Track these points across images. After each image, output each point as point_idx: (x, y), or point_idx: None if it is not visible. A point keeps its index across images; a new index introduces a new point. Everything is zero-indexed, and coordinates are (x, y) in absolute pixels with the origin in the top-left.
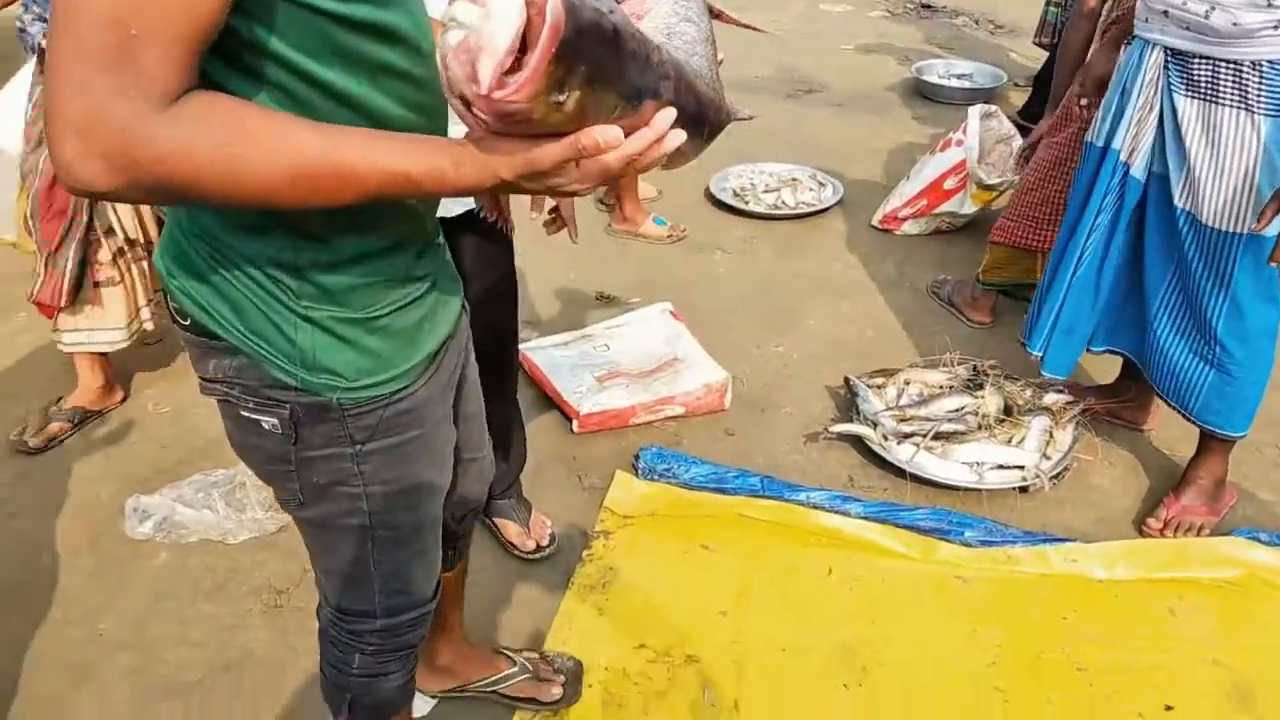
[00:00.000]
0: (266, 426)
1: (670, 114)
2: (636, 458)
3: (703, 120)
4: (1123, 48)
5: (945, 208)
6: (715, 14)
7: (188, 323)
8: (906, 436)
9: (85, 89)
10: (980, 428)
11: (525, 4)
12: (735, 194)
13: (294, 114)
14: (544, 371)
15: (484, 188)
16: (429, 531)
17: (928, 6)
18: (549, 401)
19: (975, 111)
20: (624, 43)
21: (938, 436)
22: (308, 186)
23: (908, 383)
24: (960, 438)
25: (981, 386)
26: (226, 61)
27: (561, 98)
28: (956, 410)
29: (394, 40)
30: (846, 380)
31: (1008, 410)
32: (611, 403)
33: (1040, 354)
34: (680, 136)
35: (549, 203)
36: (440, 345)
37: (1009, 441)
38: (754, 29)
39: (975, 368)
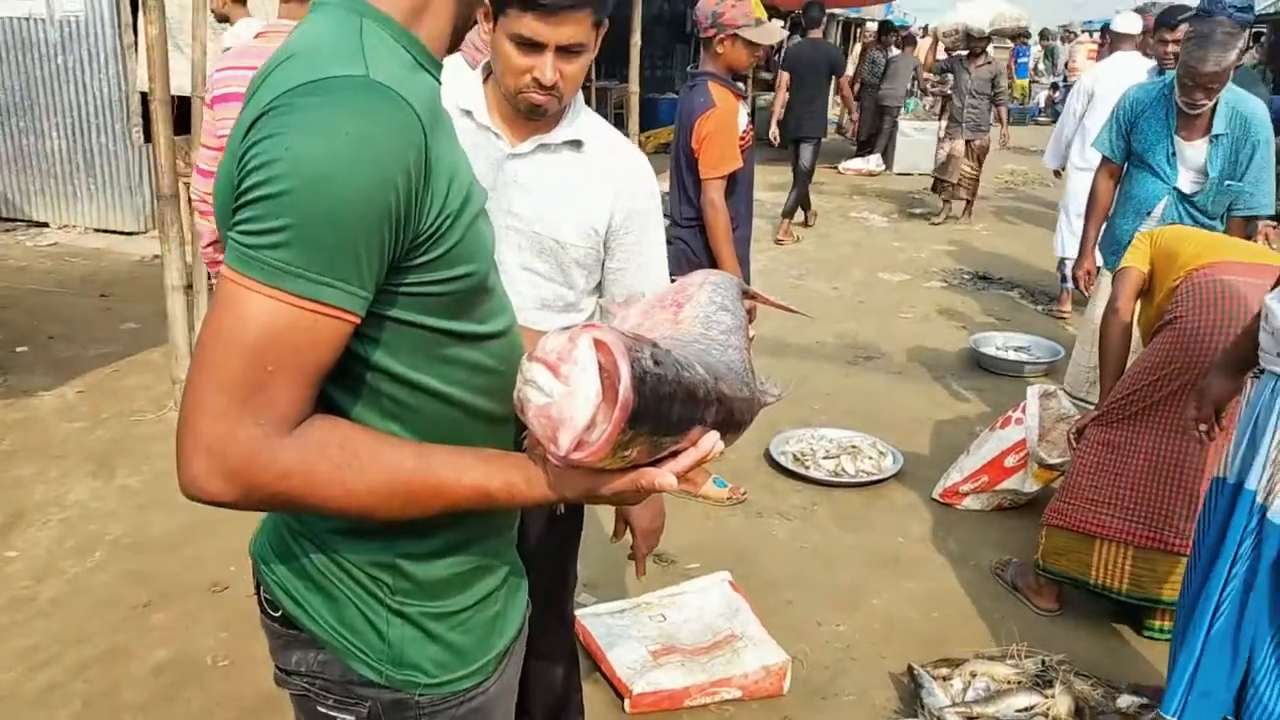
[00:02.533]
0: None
1: (714, 437)
2: None
3: (740, 424)
4: (1250, 380)
5: (1007, 485)
6: (749, 295)
7: (278, 614)
8: None
9: (220, 416)
10: None
11: (601, 388)
12: (795, 458)
13: (394, 431)
14: (598, 642)
15: (548, 502)
16: None
17: (984, 278)
18: (601, 674)
19: (1034, 393)
20: (679, 393)
21: None
22: (403, 501)
23: (974, 675)
24: None
25: (1051, 684)
26: (333, 377)
27: (626, 453)
28: (1025, 710)
29: (487, 343)
30: (910, 669)
31: (1079, 712)
32: (666, 683)
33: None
34: (720, 446)
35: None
36: (511, 641)
37: None
38: (787, 309)
39: (1044, 662)
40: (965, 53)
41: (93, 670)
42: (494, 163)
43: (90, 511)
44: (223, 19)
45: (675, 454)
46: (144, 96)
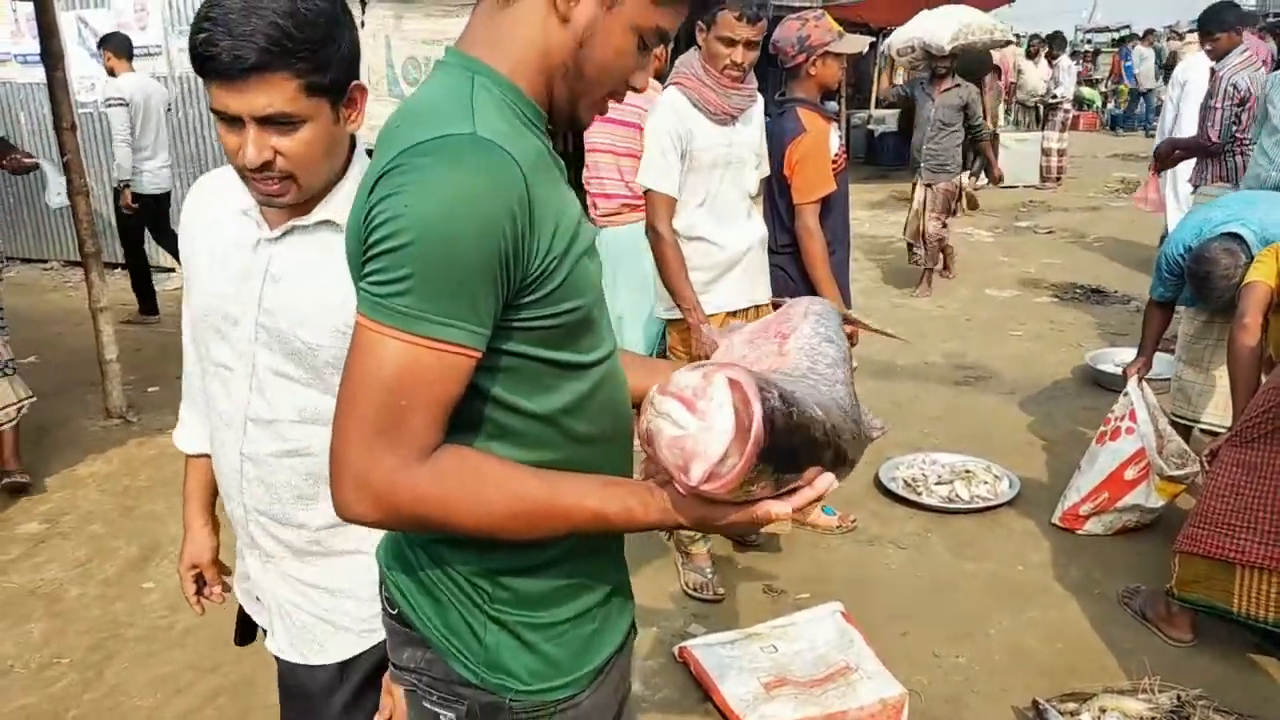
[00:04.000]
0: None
1: (829, 478)
2: None
3: (850, 460)
4: None
5: (1129, 500)
6: (849, 321)
7: (395, 612)
8: None
9: (365, 447)
10: None
11: (736, 424)
12: (906, 484)
13: (494, 450)
14: (710, 674)
15: (663, 527)
16: None
17: (1098, 291)
18: (712, 705)
19: (1136, 395)
20: (802, 433)
21: None
22: (527, 523)
23: (1103, 710)
24: None
25: None
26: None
27: (753, 487)
28: None
29: (589, 371)
30: (1035, 704)
31: None
32: (780, 715)
33: None
34: (834, 484)
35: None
36: (609, 659)
37: None
38: (888, 335)
39: (1180, 697)
40: (927, 75)
41: (223, 698)
42: (246, 251)
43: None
44: (110, 72)
45: (795, 490)
46: None
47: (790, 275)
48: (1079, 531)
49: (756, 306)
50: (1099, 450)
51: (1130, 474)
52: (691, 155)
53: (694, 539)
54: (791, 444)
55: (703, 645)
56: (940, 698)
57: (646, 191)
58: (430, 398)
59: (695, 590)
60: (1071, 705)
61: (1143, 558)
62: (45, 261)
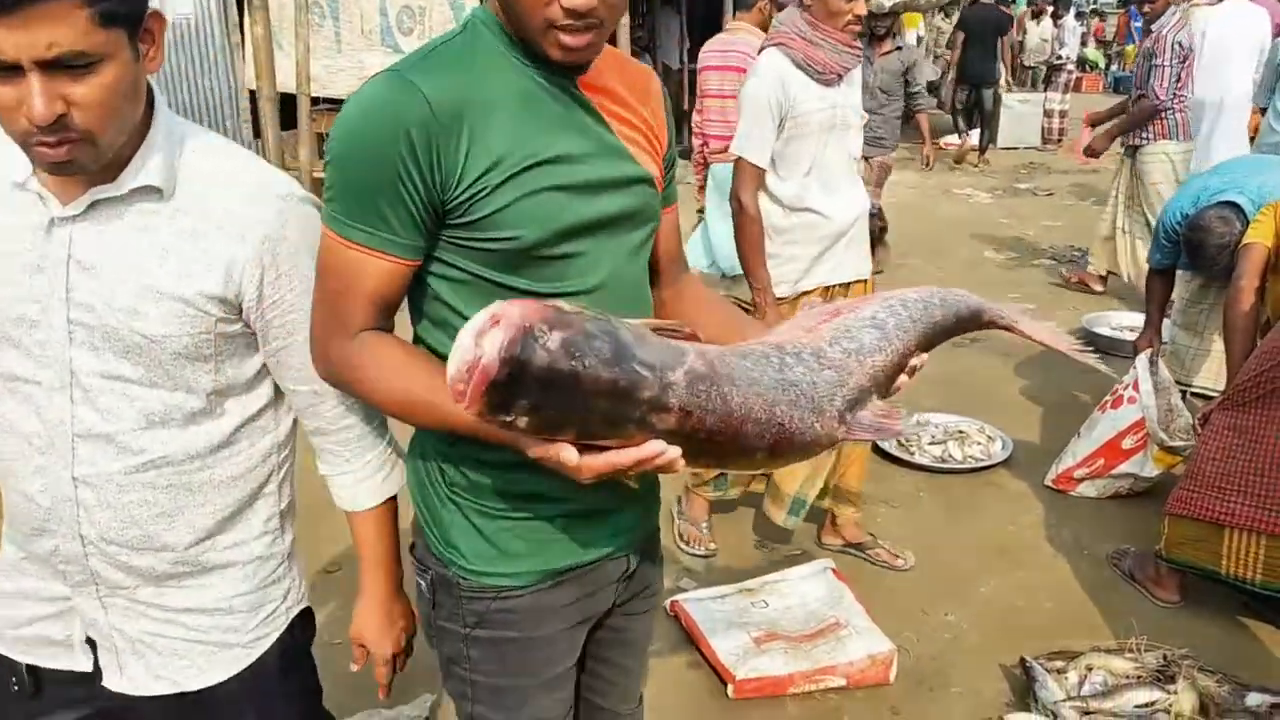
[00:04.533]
0: (421, 587)
1: (656, 445)
2: None
3: (756, 447)
4: None
5: (1124, 468)
6: (1003, 328)
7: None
8: None
9: (319, 321)
10: None
11: (472, 355)
12: (900, 444)
13: (429, 356)
14: (700, 628)
15: (501, 441)
16: None
17: None
18: (703, 659)
19: (1143, 365)
20: (588, 383)
21: None
22: (418, 417)
23: (1090, 668)
24: None
25: (1173, 680)
26: (421, 310)
27: (509, 419)
28: (1146, 706)
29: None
30: (1023, 661)
31: (1204, 710)
32: (769, 669)
33: None
34: (668, 457)
35: None
36: (562, 570)
37: None
38: (1045, 345)
39: (1166, 657)
40: (867, 36)
41: None
42: (36, 234)
43: None
44: None
45: (606, 448)
46: (252, 94)
47: None
48: (1072, 494)
49: (861, 281)
50: (1099, 417)
51: (1128, 443)
52: (795, 121)
53: (702, 481)
54: (558, 389)
55: (694, 600)
56: (928, 655)
57: (737, 158)
58: (358, 290)
59: (688, 543)
60: (1059, 663)
61: (1133, 521)
62: None
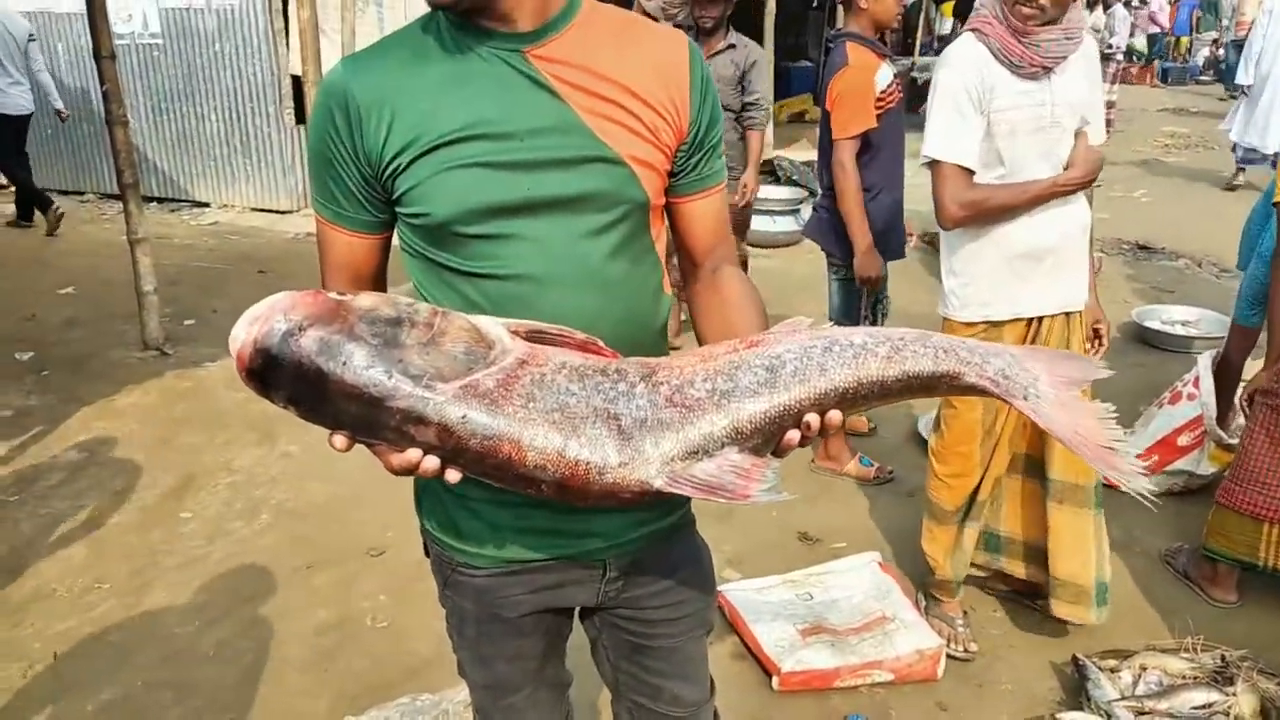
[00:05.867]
0: (431, 551)
1: (411, 454)
2: None
3: (549, 480)
4: None
5: (1179, 465)
6: (996, 396)
7: None
8: None
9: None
10: None
11: (242, 339)
12: None
13: None
14: (744, 619)
15: None
16: (498, 714)
17: (1145, 248)
18: (747, 650)
19: (1205, 363)
20: (335, 386)
21: None
22: None
23: (1144, 668)
24: None
25: (1232, 681)
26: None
27: (280, 403)
28: (1204, 707)
29: (478, 281)
30: (1075, 659)
31: (1265, 713)
32: (815, 662)
33: None
34: (428, 466)
35: None
36: (530, 561)
37: None
38: (1066, 444)
39: (1224, 658)
40: (694, 30)
41: (260, 629)
42: None
43: (255, 477)
44: None
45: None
46: (295, 80)
47: (830, 216)
48: (1123, 489)
49: (1067, 314)
50: (1156, 413)
51: (1184, 440)
52: (990, 119)
53: (946, 580)
54: (308, 385)
55: (737, 589)
56: (978, 651)
57: (933, 164)
58: (329, 260)
59: (950, 644)
60: (1112, 662)
61: (1188, 518)
62: (82, 194)
